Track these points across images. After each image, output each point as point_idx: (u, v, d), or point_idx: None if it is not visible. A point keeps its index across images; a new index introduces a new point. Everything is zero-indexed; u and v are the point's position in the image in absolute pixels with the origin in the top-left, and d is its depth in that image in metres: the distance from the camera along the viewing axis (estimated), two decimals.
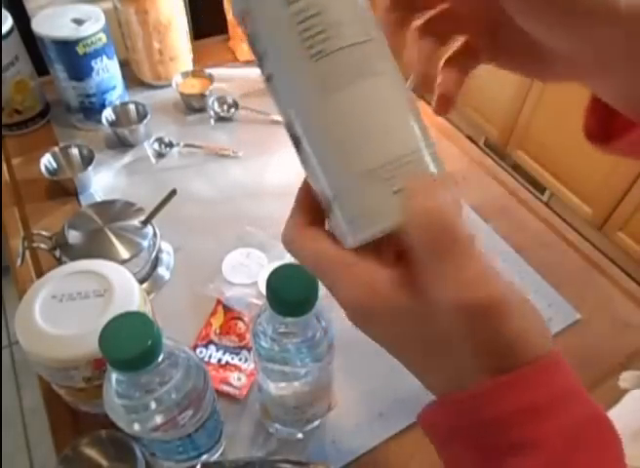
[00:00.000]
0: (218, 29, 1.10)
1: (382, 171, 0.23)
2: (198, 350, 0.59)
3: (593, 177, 1.71)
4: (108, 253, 0.62)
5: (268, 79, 0.25)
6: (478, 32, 0.30)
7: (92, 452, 0.49)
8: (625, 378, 0.53)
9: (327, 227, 0.27)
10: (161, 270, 0.68)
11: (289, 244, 0.26)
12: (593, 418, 0.23)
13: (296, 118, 0.24)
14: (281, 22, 0.23)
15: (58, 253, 0.63)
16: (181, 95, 0.92)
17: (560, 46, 0.25)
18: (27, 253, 0.68)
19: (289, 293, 0.37)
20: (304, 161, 0.25)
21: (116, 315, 0.37)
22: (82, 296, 0.48)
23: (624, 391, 0.55)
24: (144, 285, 0.66)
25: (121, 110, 0.88)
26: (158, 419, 0.39)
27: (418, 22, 0.29)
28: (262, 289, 0.64)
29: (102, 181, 0.81)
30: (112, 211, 0.67)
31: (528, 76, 0.31)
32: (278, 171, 0.83)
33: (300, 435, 0.54)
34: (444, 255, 0.22)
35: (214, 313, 0.63)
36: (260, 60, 0.25)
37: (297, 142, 0.25)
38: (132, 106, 0.88)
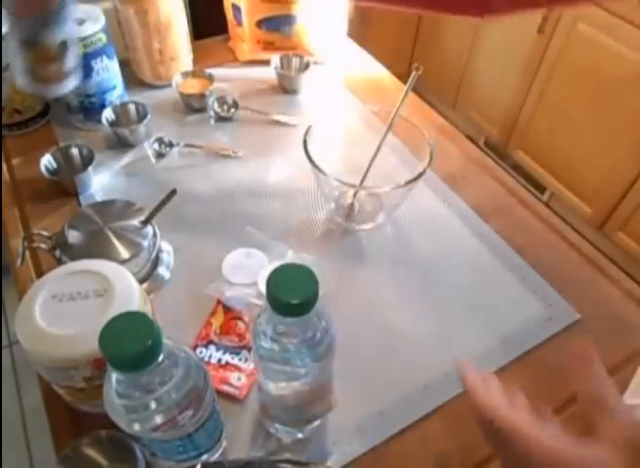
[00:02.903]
0: (218, 29, 1.10)
1: None
2: (198, 350, 0.59)
3: (593, 177, 1.72)
4: (108, 253, 0.62)
5: None
6: None
7: (92, 452, 0.49)
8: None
9: None
10: (161, 270, 0.68)
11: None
12: None
13: None
14: None
15: (58, 253, 0.63)
16: (181, 95, 0.92)
17: None
18: (27, 253, 0.68)
19: (289, 293, 0.37)
20: None
21: (116, 315, 0.37)
22: (82, 296, 0.48)
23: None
24: (144, 285, 0.66)
25: (121, 110, 0.88)
26: (158, 419, 0.39)
27: None
28: (262, 289, 0.64)
29: (102, 181, 0.81)
30: (112, 211, 0.67)
31: None
32: (278, 171, 0.83)
33: (299, 435, 0.54)
34: None
35: (214, 313, 0.63)
36: None
37: None
38: (132, 106, 0.88)
